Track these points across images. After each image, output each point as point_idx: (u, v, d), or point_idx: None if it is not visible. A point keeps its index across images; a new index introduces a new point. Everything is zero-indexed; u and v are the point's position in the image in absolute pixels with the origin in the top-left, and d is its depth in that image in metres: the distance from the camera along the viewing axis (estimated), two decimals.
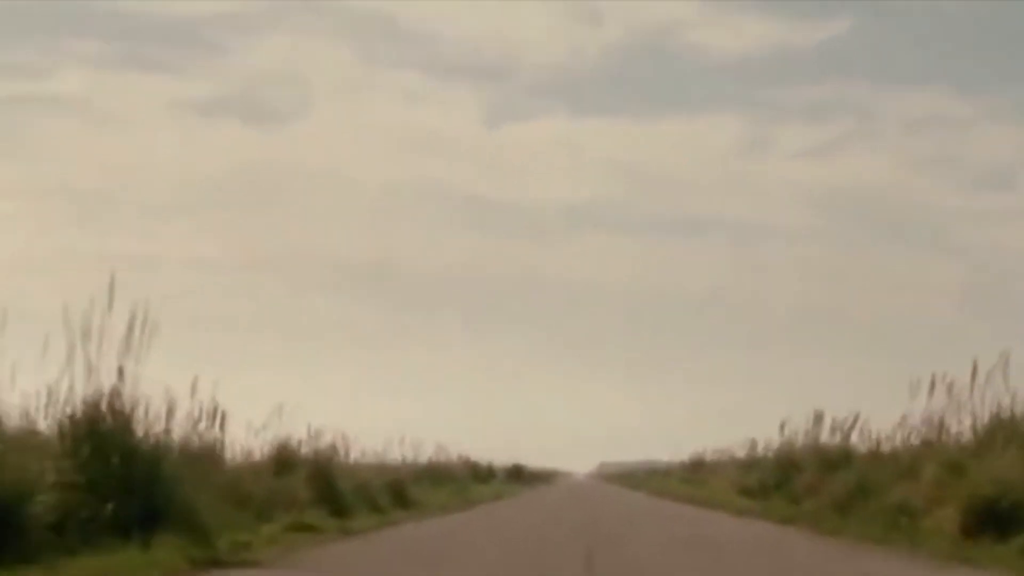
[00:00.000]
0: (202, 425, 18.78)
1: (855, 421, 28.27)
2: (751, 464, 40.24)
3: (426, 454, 45.56)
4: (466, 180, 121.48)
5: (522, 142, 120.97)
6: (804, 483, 26.72)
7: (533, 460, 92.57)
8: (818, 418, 31.53)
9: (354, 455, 29.90)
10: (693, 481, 50.97)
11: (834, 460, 27.50)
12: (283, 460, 22.42)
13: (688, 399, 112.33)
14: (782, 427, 30.59)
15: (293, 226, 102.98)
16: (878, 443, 26.16)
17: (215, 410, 18.82)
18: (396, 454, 39.41)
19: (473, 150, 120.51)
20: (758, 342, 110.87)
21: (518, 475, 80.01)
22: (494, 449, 70.52)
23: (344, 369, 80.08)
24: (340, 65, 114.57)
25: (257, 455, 22.29)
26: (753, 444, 45.02)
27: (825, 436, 30.42)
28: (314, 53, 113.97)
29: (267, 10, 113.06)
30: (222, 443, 18.78)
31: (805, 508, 22.12)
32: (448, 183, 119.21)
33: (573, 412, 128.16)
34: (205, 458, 17.73)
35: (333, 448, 27.19)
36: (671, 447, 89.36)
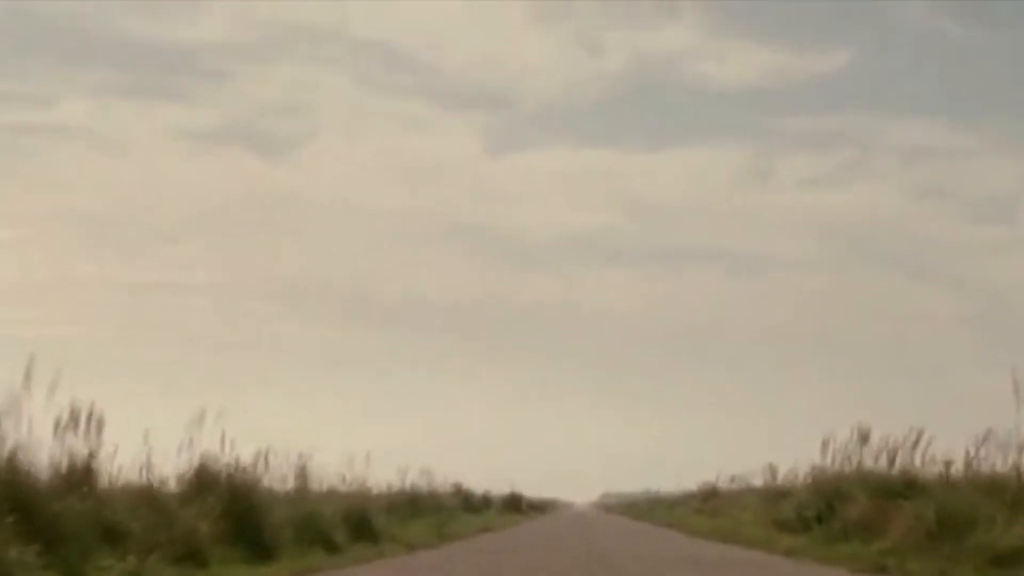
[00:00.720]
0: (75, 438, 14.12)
1: (917, 439, 23.37)
2: (776, 493, 35.44)
3: (413, 482, 41.02)
4: (467, 209, 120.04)
5: (523, 171, 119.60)
6: (856, 516, 21.74)
7: (533, 490, 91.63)
8: (863, 437, 26.75)
9: (321, 481, 25.33)
10: (707, 512, 45.90)
11: (893, 488, 22.59)
12: (203, 484, 17.49)
13: (689, 430, 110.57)
14: (825, 447, 25.63)
15: (295, 254, 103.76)
16: (948, 467, 21.43)
17: (89, 418, 14.03)
18: (374, 480, 34.92)
19: (474, 179, 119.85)
20: (759, 372, 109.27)
21: (515, 505, 74.67)
22: (493, 478, 68.50)
23: (341, 396, 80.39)
24: (343, 94, 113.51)
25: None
26: (772, 470, 41.19)
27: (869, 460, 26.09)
28: (317, 82, 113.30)
29: (271, 39, 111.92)
30: (94, 459, 13.87)
31: (875, 549, 17.08)
32: (449, 211, 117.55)
33: (573, 442, 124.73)
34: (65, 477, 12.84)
35: (301, 471, 22.80)
36: (672, 478, 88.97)
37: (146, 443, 15.74)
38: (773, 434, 76.84)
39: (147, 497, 15.18)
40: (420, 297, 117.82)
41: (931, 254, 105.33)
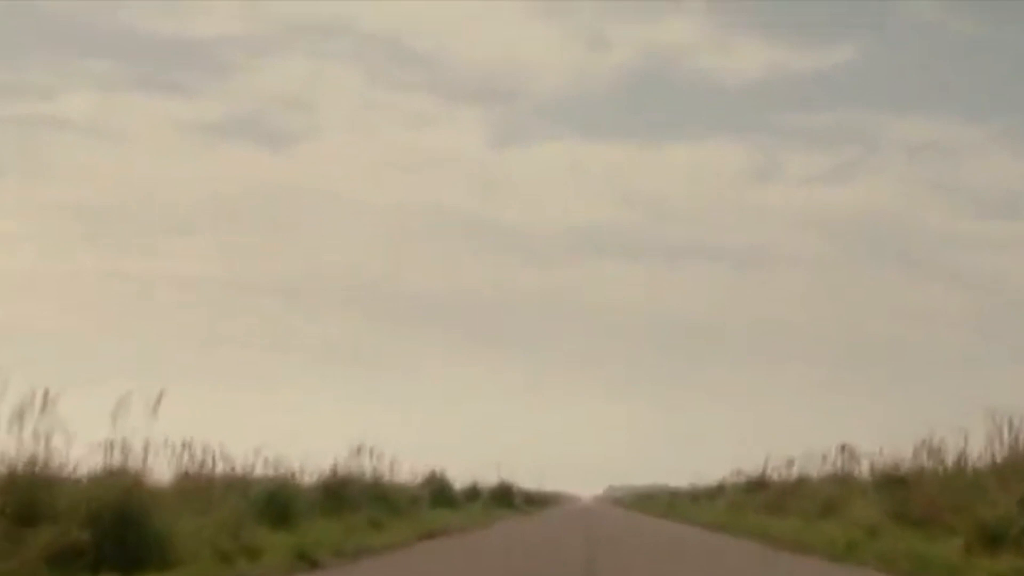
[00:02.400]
0: None
1: None
2: (888, 480, 22.98)
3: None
4: (472, 202, 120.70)
5: (528, 165, 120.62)
6: None
7: (536, 483, 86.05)
8: None
9: None
10: (764, 508, 33.03)
11: None
12: None
13: (692, 423, 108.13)
14: None
15: (300, 247, 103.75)
16: None
17: None
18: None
19: (479, 172, 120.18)
20: (763, 367, 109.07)
21: (504, 498, 61.57)
22: (492, 471, 60.40)
23: (345, 389, 78.97)
24: (349, 87, 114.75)
25: None
26: (848, 453, 29.60)
27: None
28: (323, 75, 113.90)
29: (276, 32, 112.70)
30: None
31: None
32: (454, 205, 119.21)
33: (576, 435, 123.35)
34: None
35: None
36: (677, 471, 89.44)
37: None
38: (778, 427, 76.29)
39: None
40: (425, 290, 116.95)
41: (936, 249, 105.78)
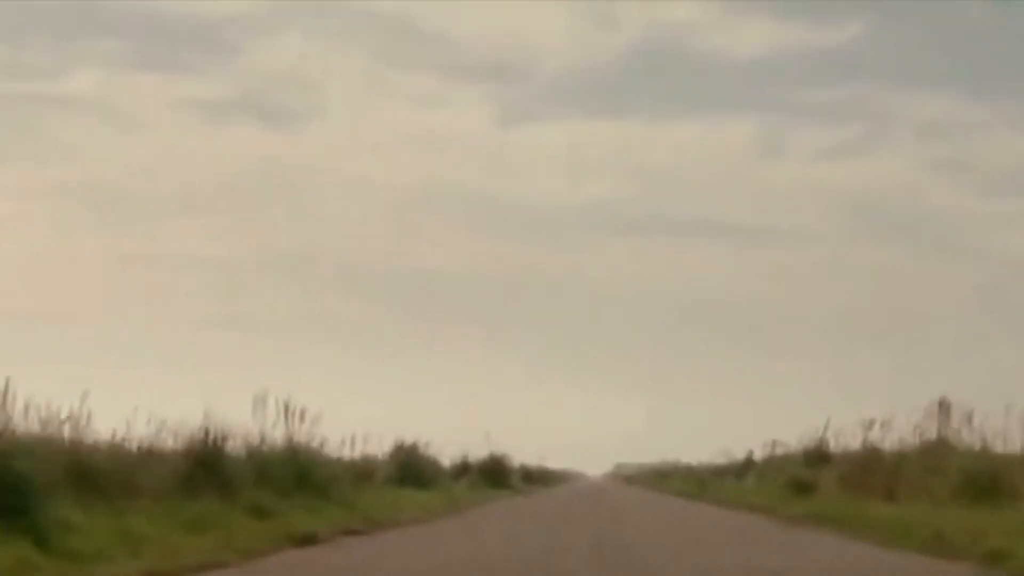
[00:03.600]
0: None
1: None
2: None
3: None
4: (480, 181, 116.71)
5: (537, 144, 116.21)
6: None
7: (543, 461, 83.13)
8: None
9: None
10: (831, 486, 23.43)
11: None
12: None
13: (702, 400, 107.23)
14: None
15: (306, 226, 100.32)
16: None
17: None
18: None
19: (487, 151, 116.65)
20: (772, 344, 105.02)
21: (499, 475, 51.89)
22: (492, 443, 53.12)
23: (354, 369, 78.47)
24: (355, 66, 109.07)
25: None
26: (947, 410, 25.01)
27: None
28: (329, 54, 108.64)
29: (282, 10, 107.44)
30: None
31: None
32: (462, 184, 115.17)
33: (582, 413, 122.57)
34: None
35: None
36: (686, 447, 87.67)
37: None
38: (788, 405, 75.77)
39: None
40: (432, 270, 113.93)
41: (945, 227, 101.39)
